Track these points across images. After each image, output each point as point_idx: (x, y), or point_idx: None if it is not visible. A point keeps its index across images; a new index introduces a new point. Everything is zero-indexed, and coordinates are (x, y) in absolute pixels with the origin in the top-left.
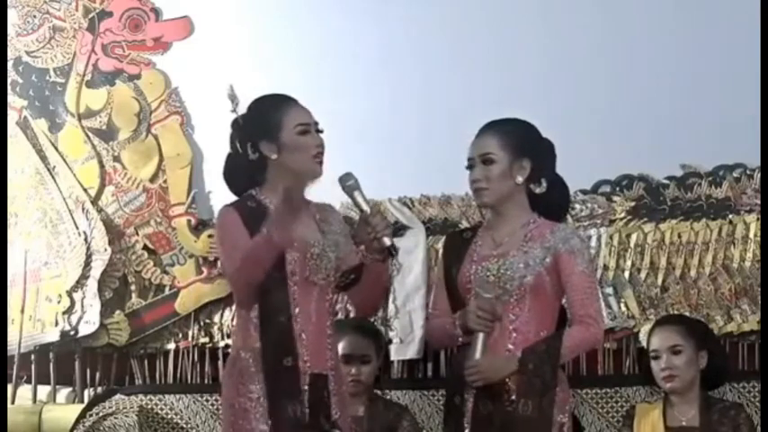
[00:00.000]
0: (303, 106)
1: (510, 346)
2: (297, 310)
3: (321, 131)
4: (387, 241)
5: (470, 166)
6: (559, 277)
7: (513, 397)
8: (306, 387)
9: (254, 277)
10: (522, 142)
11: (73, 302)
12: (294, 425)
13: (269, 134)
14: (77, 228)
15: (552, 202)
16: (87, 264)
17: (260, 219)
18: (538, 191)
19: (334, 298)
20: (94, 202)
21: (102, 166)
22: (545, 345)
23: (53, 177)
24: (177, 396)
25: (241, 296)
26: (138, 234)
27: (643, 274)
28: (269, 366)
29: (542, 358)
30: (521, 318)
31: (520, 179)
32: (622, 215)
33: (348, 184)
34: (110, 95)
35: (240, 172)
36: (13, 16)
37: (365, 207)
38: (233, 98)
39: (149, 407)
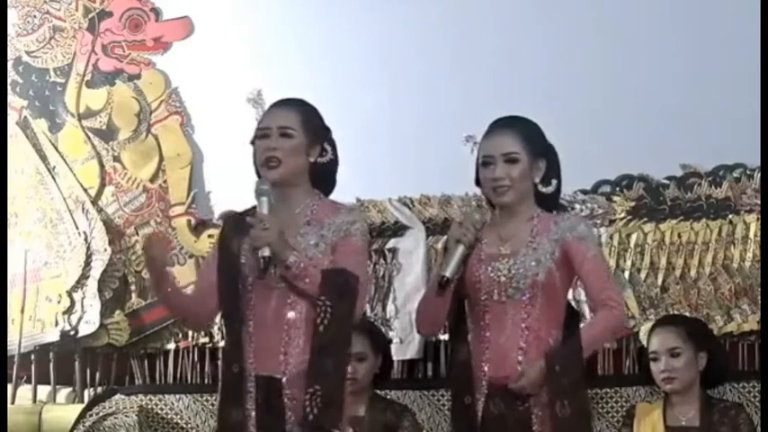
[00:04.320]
0: (282, 109)
1: (522, 344)
2: (250, 313)
3: (290, 136)
4: (263, 251)
5: (487, 164)
6: (569, 269)
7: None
8: (251, 390)
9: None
10: (539, 142)
11: (73, 302)
12: (237, 429)
13: (254, 139)
14: (77, 228)
15: (556, 202)
16: (87, 264)
17: (244, 226)
18: (546, 191)
19: (294, 303)
20: (94, 202)
21: (102, 166)
22: (565, 344)
23: (53, 177)
24: (177, 396)
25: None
26: (138, 234)
27: (643, 274)
28: (223, 371)
29: (566, 357)
30: (533, 315)
31: (537, 179)
32: (622, 215)
33: (260, 188)
34: (110, 95)
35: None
36: (13, 16)
37: (259, 214)
38: (256, 103)
39: (149, 407)
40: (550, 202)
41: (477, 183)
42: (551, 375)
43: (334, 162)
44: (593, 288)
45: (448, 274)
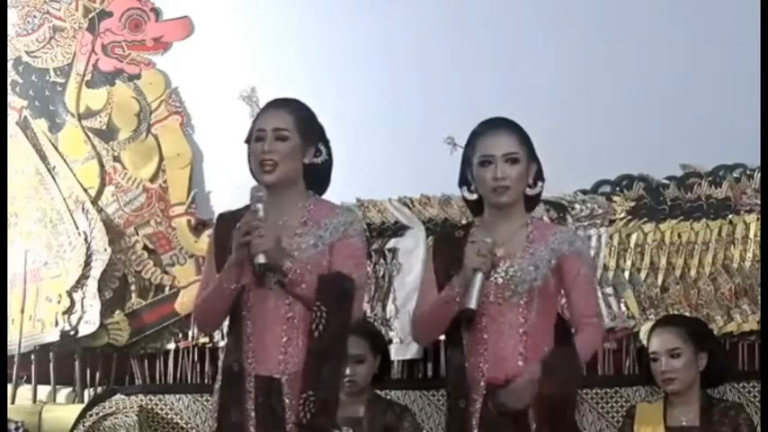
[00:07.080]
0: (276, 111)
1: (522, 350)
2: (249, 313)
3: (285, 138)
4: (258, 258)
5: (487, 164)
6: (560, 279)
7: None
8: (251, 389)
9: (212, 323)
10: (530, 144)
11: (73, 302)
12: (235, 429)
13: (249, 140)
14: (77, 228)
15: (537, 202)
16: (87, 264)
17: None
18: (531, 193)
19: (293, 302)
20: (94, 202)
21: (102, 166)
22: (567, 370)
23: (53, 177)
24: (177, 396)
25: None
26: (138, 234)
27: (643, 274)
28: (223, 370)
29: (567, 384)
30: (530, 320)
31: (530, 180)
32: (622, 215)
33: (256, 194)
34: (110, 95)
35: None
36: (13, 16)
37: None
38: (250, 100)
39: (149, 407)
40: (533, 203)
41: (461, 184)
42: (549, 402)
43: (328, 162)
44: (578, 305)
45: (473, 306)
